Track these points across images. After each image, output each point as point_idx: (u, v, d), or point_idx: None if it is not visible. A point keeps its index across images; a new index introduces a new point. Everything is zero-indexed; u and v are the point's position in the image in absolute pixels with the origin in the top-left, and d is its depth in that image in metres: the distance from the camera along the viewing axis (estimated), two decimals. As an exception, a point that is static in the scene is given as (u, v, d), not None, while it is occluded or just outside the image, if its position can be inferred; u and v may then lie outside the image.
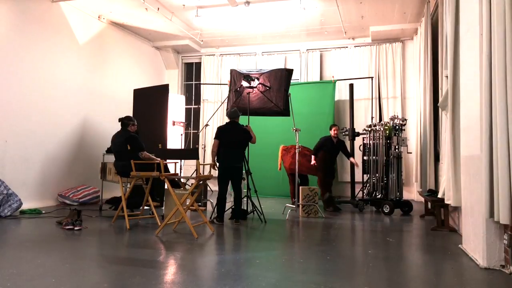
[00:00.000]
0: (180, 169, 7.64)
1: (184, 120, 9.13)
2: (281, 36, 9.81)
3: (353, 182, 8.06)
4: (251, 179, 6.02)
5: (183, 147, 8.49)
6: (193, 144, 11.01)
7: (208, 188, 8.03)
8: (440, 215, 5.29)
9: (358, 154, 8.20)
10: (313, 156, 7.11)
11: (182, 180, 6.60)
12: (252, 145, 9.01)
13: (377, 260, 3.63)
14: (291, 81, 6.74)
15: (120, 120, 5.71)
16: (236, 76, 6.74)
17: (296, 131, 6.50)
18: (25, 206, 6.38)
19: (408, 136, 8.68)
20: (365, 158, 7.39)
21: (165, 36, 9.98)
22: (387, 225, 5.61)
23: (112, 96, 8.92)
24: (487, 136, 3.26)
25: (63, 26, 7.62)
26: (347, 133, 8.03)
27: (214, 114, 9.55)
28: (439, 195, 5.48)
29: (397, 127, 6.88)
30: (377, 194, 7.09)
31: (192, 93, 11.40)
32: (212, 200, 7.02)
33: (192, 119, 11.25)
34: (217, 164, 5.73)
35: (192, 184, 4.97)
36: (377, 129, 7.18)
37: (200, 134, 10.09)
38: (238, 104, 6.56)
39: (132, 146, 5.54)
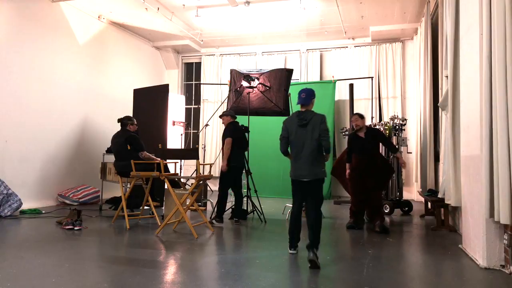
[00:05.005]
0: (180, 169, 7.64)
1: (184, 120, 9.13)
2: (281, 36, 9.80)
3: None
4: (251, 179, 6.02)
5: (183, 147, 8.49)
6: (193, 144, 11.01)
7: (208, 188, 8.03)
8: (440, 215, 5.29)
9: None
10: (347, 165, 5.39)
11: (182, 180, 6.60)
12: (252, 145, 9.02)
13: (377, 260, 3.63)
14: (291, 81, 6.74)
15: (119, 120, 5.71)
16: (236, 76, 6.74)
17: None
18: (25, 206, 6.38)
19: (408, 136, 8.68)
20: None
21: (165, 36, 9.97)
22: (387, 225, 5.60)
23: (112, 96, 8.92)
24: (487, 136, 3.26)
25: (63, 26, 7.62)
26: (347, 133, 8.03)
27: (214, 114, 9.55)
28: (439, 195, 5.48)
29: (397, 127, 6.87)
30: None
31: (192, 93, 11.40)
32: (212, 200, 7.02)
33: (192, 119, 11.25)
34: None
35: (192, 184, 4.97)
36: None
37: (200, 134, 10.09)
38: (238, 104, 6.55)
39: (132, 146, 5.54)
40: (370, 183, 5.21)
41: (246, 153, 6.01)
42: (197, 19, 8.63)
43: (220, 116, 5.91)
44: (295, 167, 3.79)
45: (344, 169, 5.62)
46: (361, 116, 5.32)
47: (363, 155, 5.21)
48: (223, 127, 6.11)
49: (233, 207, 5.79)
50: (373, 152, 5.24)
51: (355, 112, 5.48)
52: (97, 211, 6.54)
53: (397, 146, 6.61)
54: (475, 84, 3.62)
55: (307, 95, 3.84)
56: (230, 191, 5.85)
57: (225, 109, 7.24)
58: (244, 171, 5.94)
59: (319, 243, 3.64)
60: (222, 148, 5.67)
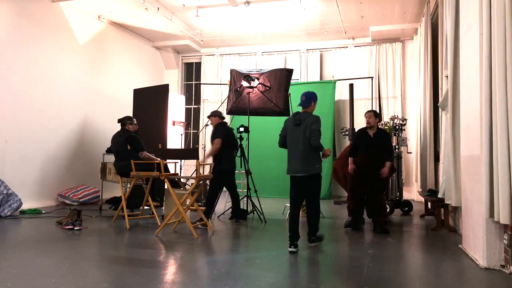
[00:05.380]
0: (180, 169, 7.64)
1: (184, 120, 9.13)
2: (281, 36, 9.80)
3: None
4: (251, 179, 6.02)
5: (183, 147, 8.49)
6: (193, 144, 11.01)
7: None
8: (440, 215, 5.29)
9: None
10: (350, 159, 5.28)
11: (182, 180, 6.60)
12: (252, 145, 9.01)
13: (377, 260, 3.63)
14: (291, 81, 6.74)
15: (119, 120, 5.72)
16: (236, 76, 6.74)
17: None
18: (25, 206, 6.37)
19: (408, 136, 8.68)
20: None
21: (165, 36, 9.97)
22: (388, 225, 5.59)
23: (112, 96, 8.92)
24: (487, 136, 3.26)
25: (63, 26, 7.62)
26: (347, 133, 8.03)
27: (214, 114, 9.55)
28: (439, 195, 5.47)
29: (397, 127, 6.87)
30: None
31: (192, 93, 11.40)
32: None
33: (192, 119, 11.25)
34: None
35: (192, 184, 4.97)
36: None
37: (200, 134, 10.09)
38: (238, 104, 6.55)
39: (132, 146, 5.54)
40: (371, 183, 5.12)
41: (246, 153, 6.00)
42: (197, 19, 8.63)
43: (208, 117, 5.83)
44: (290, 163, 4.14)
45: (344, 165, 5.53)
46: (376, 115, 5.17)
47: (368, 154, 5.11)
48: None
49: (232, 207, 5.77)
50: (377, 152, 5.10)
51: (369, 109, 5.35)
52: (97, 211, 6.54)
53: (396, 148, 6.70)
54: (475, 84, 3.62)
55: (307, 98, 4.22)
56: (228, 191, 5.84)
57: (225, 109, 7.25)
58: (244, 171, 5.93)
59: (317, 230, 4.18)
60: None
